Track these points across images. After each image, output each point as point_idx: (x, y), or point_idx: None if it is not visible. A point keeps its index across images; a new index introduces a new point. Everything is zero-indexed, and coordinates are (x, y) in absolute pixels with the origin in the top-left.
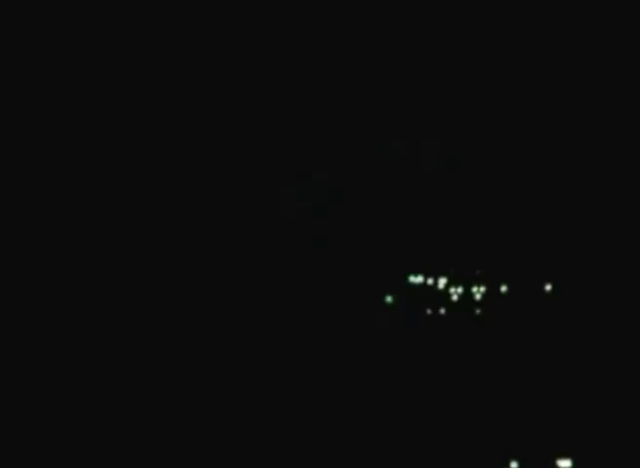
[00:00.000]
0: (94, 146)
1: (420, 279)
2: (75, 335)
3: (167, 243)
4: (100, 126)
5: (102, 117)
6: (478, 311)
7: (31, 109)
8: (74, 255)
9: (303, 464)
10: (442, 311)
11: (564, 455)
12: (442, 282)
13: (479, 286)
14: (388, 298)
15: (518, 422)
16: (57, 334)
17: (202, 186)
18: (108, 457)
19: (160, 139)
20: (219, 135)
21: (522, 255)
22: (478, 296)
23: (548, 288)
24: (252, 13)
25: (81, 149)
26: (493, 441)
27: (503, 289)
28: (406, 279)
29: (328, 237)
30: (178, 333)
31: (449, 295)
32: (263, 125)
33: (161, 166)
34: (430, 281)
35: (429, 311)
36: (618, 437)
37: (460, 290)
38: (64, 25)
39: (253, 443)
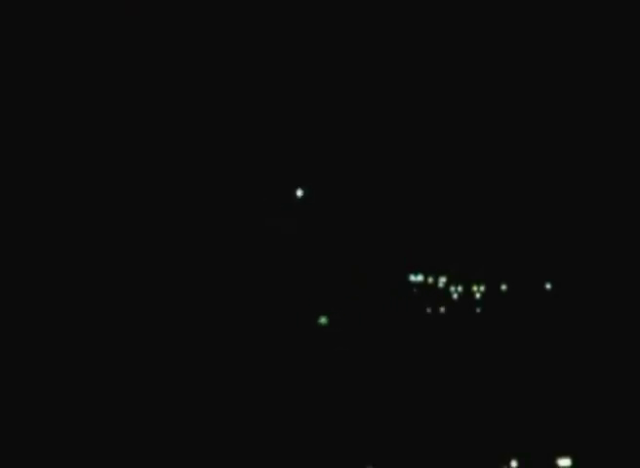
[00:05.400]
0: (94, 147)
1: (419, 278)
2: (75, 335)
3: (165, 243)
4: (100, 126)
5: (102, 117)
6: (478, 310)
7: (31, 109)
8: (74, 255)
9: (303, 464)
10: (442, 310)
11: (564, 455)
12: (442, 281)
13: (479, 285)
14: (388, 298)
15: (518, 422)
16: (57, 334)
17: (201, 188)
18: (108, 457)
19: (159, 142)
20: (217, 137)
21: (522, 255)
22: (478, 296)
23: (548, 287)
24: (252, 15)
25: (81, 149)
26: (493, 441)
27: (503, 288)
28: (406, 278)
29: (328, 237)
30: (176, 333)
31: (449, 295)
32: (262, 128)
33: (160, 168)
34: (430, 280)
35: (429, 310)
36: (618, 437)
37: (459, 289)
38: (64, 25)
39: (252, 442)
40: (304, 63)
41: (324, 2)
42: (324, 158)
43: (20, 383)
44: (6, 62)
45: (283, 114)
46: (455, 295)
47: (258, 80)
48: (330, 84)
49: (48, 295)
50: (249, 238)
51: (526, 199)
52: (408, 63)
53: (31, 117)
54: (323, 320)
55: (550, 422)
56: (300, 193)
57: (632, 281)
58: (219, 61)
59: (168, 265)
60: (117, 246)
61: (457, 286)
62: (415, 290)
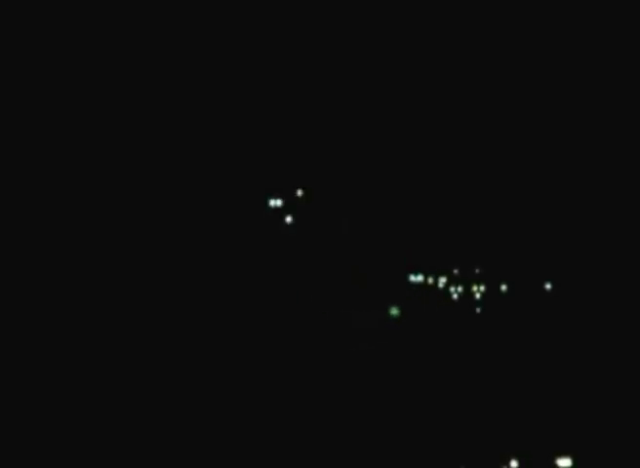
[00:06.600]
0: (94, 147)
1: (420, 278)
2: (75, 335)
3: (167, 244)
4: (100, 126)
5: (102, 118)
6: (478, 310)
7: (32, 110)
8: (74, 255)
9: (303, 464)
10: (442, 311)
11: (564, 455)
12: (442, 281)
13: (479, 285)
14: (389, 298)
15: (518, 422)
16: (57, 334)
17: (203, 189)
18: (108, 457)
19: (159, 142)
20: (219, 138)
21: (522, 255)
22: (478, 296)
23: (548, 287)
24: (252, 16)
25: (81, 149)
26: (493, 441)
27: (503, 288)
28: (406, 278)
29: (329, 237)
30: (176, 333)
31: (449, 295)
32: (263, 128)
33: (160, 168)
34: (430, 280)
35: (429, 311)
36: (618, 437)
37: (459, 289)
38: (65, 25)
39: (252, 442)
40: (305, 64)
41: (324, 2)
42: (325, 159)
43: (21, 383)
44: (6, 63)
45: (284, 115)
46: (455, 295)
47: (258, 81)
48: (331, 85)
49: (48, 295)
50: (249, 237)
51: (526, 199)
52: (408, 64)
53: (31, 117)
54: (394, 311)
55: (550, 422)
56: (300, 193)
57: (632, 281)
58: (219, 62)
59: (171, 265)
60: (117, 246)
61: (457, 286)
62: (415, 290)
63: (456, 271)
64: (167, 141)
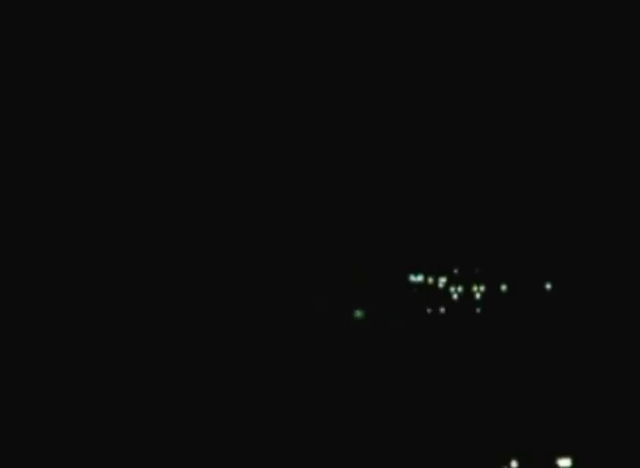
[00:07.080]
0: (94, 147)
1: (419, 278)
2: (75, 336)
3: (165, 244)
4: (100, 126)
5: (102, 118)
6: (478, 310)
7: (32, 110)
8: (74, 256)
9: (303, 464)
10: (442, 311)
11: (564, 455)
12: (442, 281)
13: (479, 285)
14: (388, 299)
15: (518, 422)
16: (57, 335)
17: (201, 189)
18: (108, 457)
19: (159, 143)
20: (218, 138)
21: (522, 255)
22: (478, 296)
23: (548, 287)
24: (252, 16)
25: (81, 150)
26: (493, 441)
27: (503, 288)
28: (406, 278)
29: (329, 237)
30: (175, 332)
31: (449, 295)
32: (262, 128)
33: (160, 169)
34: (430, 280)
35: (429, 311)
36: (618, 437)
37: (460, 289)
38: (65, 25)
39: (252, 442)
40: (305, 64)
41: (324, 2)
42: (324, 158)
43: (21, 383)
44: (6, 63)
45: (283, 115)
46: (455, 296)
47: (258, 81)
48: (330, 85)
49: (48, 296)
50: (249, 237)
51: (526, 199)
52: (408, 64)
53: (31, 117)
54: (358, 314)
55: (550, 422)
56: (300, 193)
57: (632, 281)
58: (218, 62)
59: (170, 265)
60: (116, 245)
61: (457, 286)
62: (415, 290)
63: (456, 271)
64: (166, 141)
